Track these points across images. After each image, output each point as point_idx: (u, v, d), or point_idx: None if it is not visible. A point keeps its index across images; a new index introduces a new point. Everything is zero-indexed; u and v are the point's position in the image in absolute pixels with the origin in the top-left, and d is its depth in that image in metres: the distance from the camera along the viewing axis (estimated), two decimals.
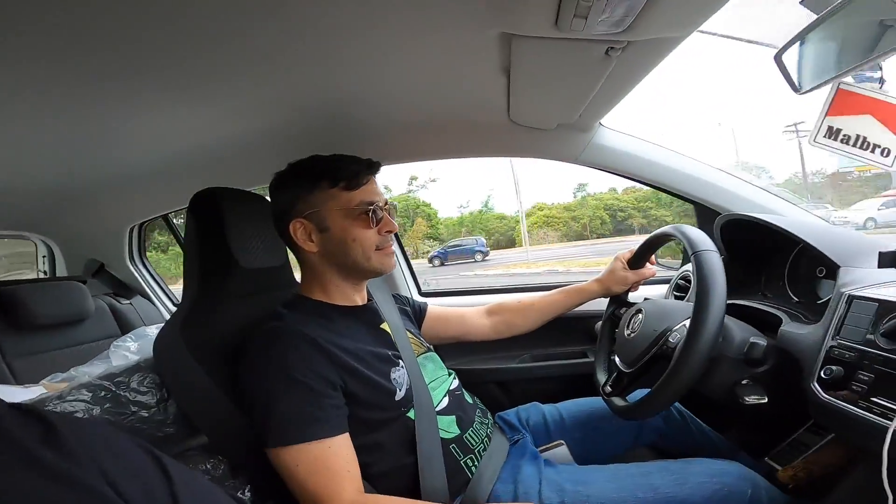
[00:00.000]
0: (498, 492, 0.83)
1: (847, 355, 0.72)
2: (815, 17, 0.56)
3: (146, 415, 0.86)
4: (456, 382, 0.98)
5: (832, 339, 0.75)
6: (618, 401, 0.94)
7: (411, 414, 0.83)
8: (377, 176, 0.93)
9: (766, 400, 0.79)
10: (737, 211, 1.27)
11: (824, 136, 0.65)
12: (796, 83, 0.67)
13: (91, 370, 1.18)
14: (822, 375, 0.73)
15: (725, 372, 0.82)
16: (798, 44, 0.64)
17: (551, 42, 0.70)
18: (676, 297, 1.29)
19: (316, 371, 0.74)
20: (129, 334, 1.44)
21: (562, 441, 1.00)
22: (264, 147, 1.25)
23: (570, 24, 0.62)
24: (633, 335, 0.96)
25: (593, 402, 1.11)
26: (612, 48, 0.70)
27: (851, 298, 0.77)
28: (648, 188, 1.39)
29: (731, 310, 0.85)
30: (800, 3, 0.58)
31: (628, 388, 0.98)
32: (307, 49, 0.76)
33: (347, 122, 1.16)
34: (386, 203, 0.90)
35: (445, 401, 0.91)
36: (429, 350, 1.01)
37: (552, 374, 1.44)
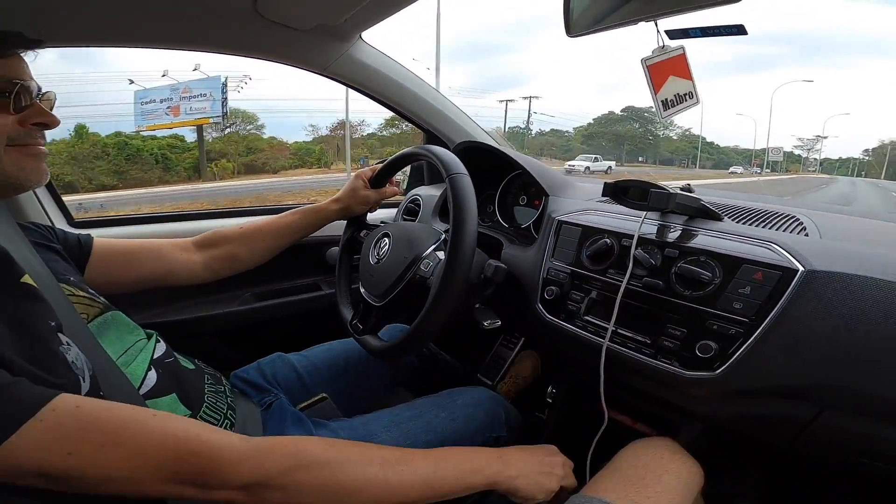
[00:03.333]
0: None
1: (562, 276, 0.83)
2: None
3: None
4: (162, 347, 0.71)
5: (549, 262, 0.86)
6: (372, 340, 0.88)
7: None
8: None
9: (499, 323, 0.80)
10: (458, 141, 1.39)
11: (665, 110, 0.74)
12: (570, 27, 0.71)
13: None
14: (546, 296, 0.84)
15: (466, 297, 0.82)
16: None
17: None
18: (405, 221, 1.31)
19: None
20: None
21: (324, 395, 0.89)
22: None
23: None
24: (380, 263, 0.88)
25: (346, 345, 1.01)
26: None
27: (560, 223, 0.88)
28: None
29: None
30: None
31: (380, 323, 0.92)
32: None
33: None
34: (40, 91, 0.62)
35: (152, 376, 0.64)
36: (106, 309, 0.67)
37: (285, 313, 1.29)
